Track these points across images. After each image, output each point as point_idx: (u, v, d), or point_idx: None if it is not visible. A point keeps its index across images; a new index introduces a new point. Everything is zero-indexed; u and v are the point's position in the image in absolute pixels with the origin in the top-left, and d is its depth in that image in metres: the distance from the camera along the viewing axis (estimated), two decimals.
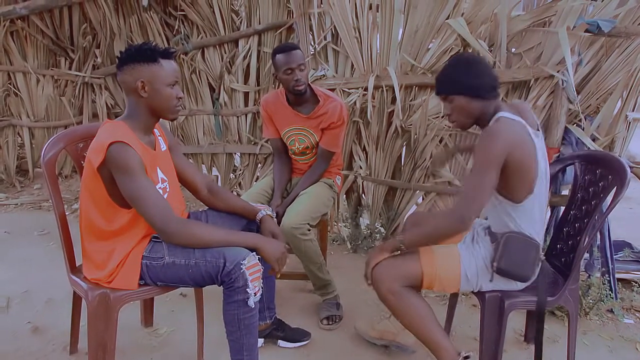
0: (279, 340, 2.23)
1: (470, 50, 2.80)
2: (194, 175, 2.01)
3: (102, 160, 1.60)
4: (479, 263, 1.81)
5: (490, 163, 1.67)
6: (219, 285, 1.71)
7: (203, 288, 1.94)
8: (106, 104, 4.23)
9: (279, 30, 3.44)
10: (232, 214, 2.02)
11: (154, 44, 1.72)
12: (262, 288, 1.74)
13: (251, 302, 1.68)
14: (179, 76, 1.77)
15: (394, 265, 1.81)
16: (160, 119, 1.80)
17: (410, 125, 2.99)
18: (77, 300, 2.02)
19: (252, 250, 1.73)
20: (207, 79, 3.78)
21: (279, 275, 1.85)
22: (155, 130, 1.84)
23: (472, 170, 1.72)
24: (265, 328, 2.20)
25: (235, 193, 3.91)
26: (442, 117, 2.88)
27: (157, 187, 1.71)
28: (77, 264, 1.93)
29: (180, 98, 1.76)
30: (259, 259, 1.72)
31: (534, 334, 1.93)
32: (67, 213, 3.71)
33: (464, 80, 1.77)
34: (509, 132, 1.70)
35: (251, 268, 1.67)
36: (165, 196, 1.75)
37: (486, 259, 1.81)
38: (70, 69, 4.20)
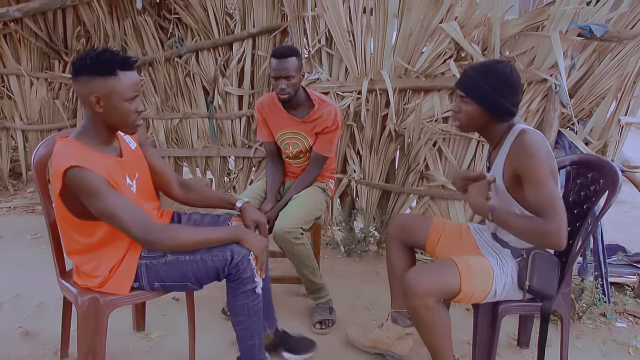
0: (284, 352, 2.14)
1: (463, 55, 2.81)
2: (166, 171, 1.97)
3: (62, 186, 1.57)
4: (507, 280, 1.77)
5: (546, 175, 1.64)
6: (222, 279, 1.72)
7: (194, 293, 1.93)
8: None
9: (273, 34, 3.44)
10: (212, 209, 2.04)
11: (113, 52, 1.60)
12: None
13: (259, 289, 1.74)
14: (140, 88, 1.66)
15: (433, 279, 1.73)
16: None
17: (404, 128, 2.99)
18: (67, 304, 2.01)
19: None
20: (202, 82, 3.77)
21: (263, 275, 1.79)
22: (120, 133, 1.77)
23: (533, 189, 1.65)
24: (269, 342, 2.10)
25: None
26: (436, 120, 2.89)
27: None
28: (68, 269, 1.91)
29: (140, 112, 1.66)
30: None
31: (538, 338, 1.91)
32: None
33: (490, 95, 1.72)
34: (542, 143, 1.69)
35: (254, 260, 1.73)
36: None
37: (514, 275, 1.78)
38: (64, 71, 4.18)
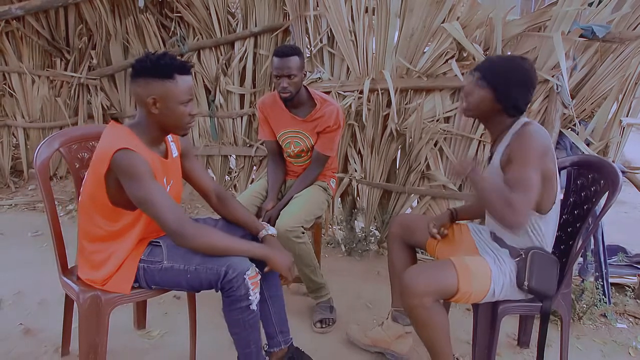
0: None
1: (465, 55, 2.81)
2: (205, 181, 1.98)
3: (107, 167, 1.58)
4: (506, 280, 1.77)
5: (533, 159, 1.64)
6: (217, 291, 1.70)
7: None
8: (102, 105, 4.22)
9: (275, 33, 3.44)
10: (237, 226, 1.96)
11: (172, 56, 1.65)
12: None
13: (254, 306, 1.69)
14: (194, 92, 1.70)
15: (430, 278, 1.73)
16: None
17: (406, 128, 2.99)
18: (69, 302, 2.01)
19: (260, 260, 1.73)
20: (203, 81, 3.78)
21: (290, 285, 1.77)
22: (168, 136, 1.81)
23: (515, 166, 1.65)
24: (282, 355, 2.00)
25: None
26: (438, 120, 2.89)
27: None
28: (70, 266, 1.92)
29: (193, 115, 1.71)
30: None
31: (538, 339, 1.92)
32: (61, 214, 3.74)
33: (507, 86, 1.73)
34: (543, 135, 1.70)
35: (252, 278, 1.67)
36: None
37: (512, 275, 1.78)
38: (65, 69, 4.19)
